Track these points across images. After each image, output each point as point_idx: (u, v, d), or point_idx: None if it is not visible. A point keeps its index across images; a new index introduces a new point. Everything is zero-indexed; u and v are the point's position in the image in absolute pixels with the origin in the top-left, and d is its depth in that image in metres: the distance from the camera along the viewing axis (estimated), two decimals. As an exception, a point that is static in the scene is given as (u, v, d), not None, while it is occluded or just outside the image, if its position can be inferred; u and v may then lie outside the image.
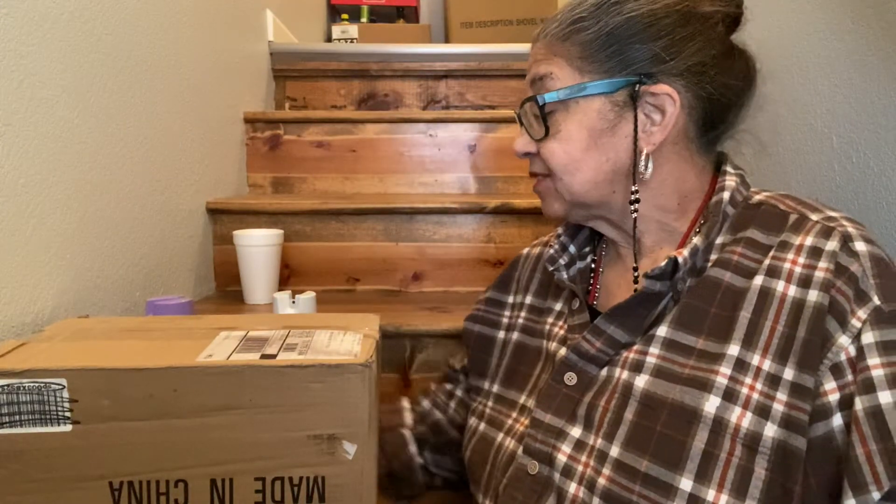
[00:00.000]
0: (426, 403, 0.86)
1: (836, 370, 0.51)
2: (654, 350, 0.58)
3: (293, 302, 1.06)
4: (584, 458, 0.58)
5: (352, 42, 2.69)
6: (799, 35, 0.98)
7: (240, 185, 1.59)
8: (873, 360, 0.50)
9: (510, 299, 0.79)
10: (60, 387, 0.50)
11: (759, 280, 0.57)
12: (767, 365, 0.53)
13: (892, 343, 0.51)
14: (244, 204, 1.38)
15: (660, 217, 0.65)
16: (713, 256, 0.60)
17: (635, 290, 0.62)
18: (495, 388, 0.73)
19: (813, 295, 0.54)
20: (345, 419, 0.52)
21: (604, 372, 0.61)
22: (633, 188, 0.63)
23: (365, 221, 1.39)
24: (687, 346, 0.57)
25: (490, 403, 0.73)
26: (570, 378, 0.62)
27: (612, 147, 0.62)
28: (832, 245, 0.55)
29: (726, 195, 0.62)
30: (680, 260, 0.58)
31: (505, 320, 0.78)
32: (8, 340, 0.58)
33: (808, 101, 0.96)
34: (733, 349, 0.55)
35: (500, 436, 0.67)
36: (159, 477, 0.52)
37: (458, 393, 0.83)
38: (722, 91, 0.62)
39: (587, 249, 0.74)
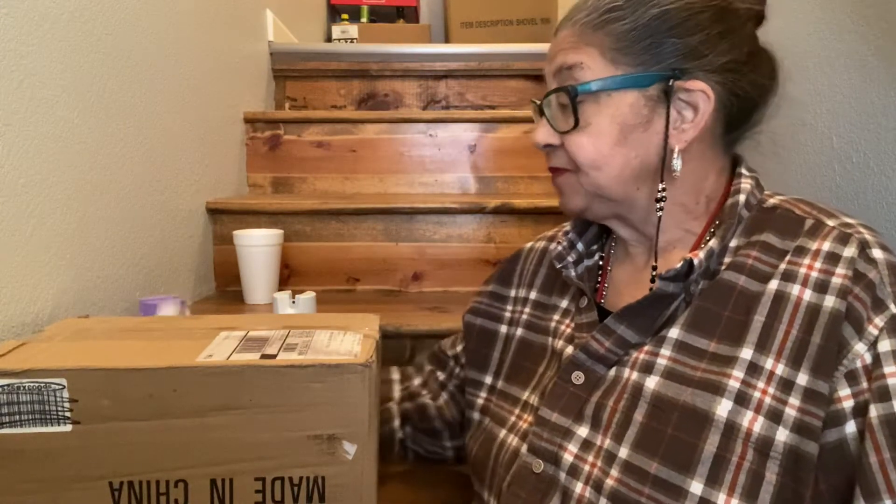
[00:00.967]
0: (417, 381, 0.85)
1: (851, 377, 0.51)
2: (666, 352, 0.58)
3: (293, 302, 1.06)
4: (591, 459, 0.58)
5: (352, 42, 2.68)
6: (799, 35, 0.98)
7: (240, 185, 1.59)
8: (889, 368, 0.50)
9: (512, 293, 0.78)
10: (60, 387, 0.50)
11: (774, 284, 0.56)
12: (781, 369, 0.53)
13: None
14: (244, 204, 1.38)
15: (679, 216, 0.64)
16: (727, 259, 0.60)
17: (651, 290, 0.61)
18: (499, 384, 0.73)
19: (829, 301, 0.53)
20: (345, 419, 0.52)
21: (612, 372, 0.60)
22: (661, 186, 0.62)
23: (365, 221, 1.39)
24: (699, 349, 0.57)
25: (493, 399, 0.72)
26: (578, 377, 0.62)
27: (641, 143, 0.61)
28: (850, 251, 0.55)
29: (742, 198, 0.62)
30: (696, 262, 0.58)
31: (507, 314, 0.77)
32: (8, 340, 0.58)
33: (808, 101, 0.96)
34: (746, 353, 0.54)
35: (503, 432, 0.67)
36: (159, 477, 0.52)
37: (450, 387, 0.83)
38: (752, 89, 0.62)
39: (595, 247, 0.73)
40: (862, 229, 0.57)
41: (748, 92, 0.62)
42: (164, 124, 1.16)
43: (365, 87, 1.95)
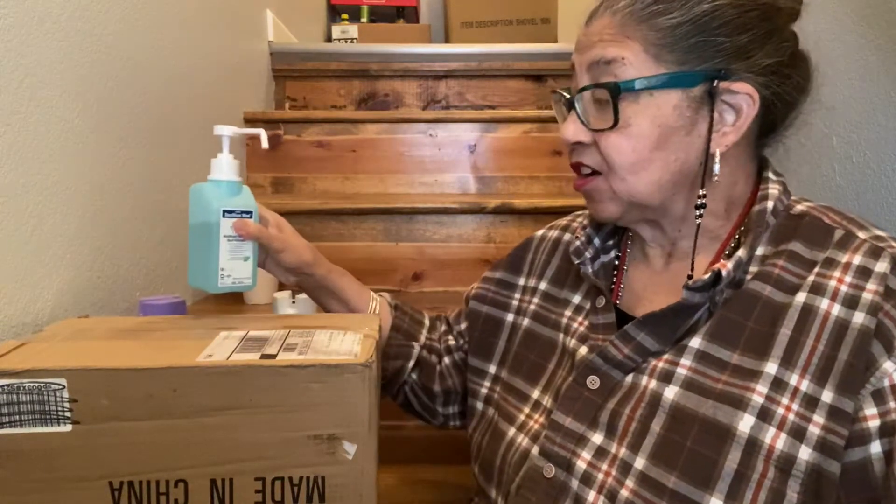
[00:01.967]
0: (436, 336, 0.84)
1: (878, 396, 0.49)
2: (686, 361, 0.56)
3: (293, 302, 1.06)
4: (605, 467, 0.56)
5: (352, 42, 2.68)
6: (798, 35, 0.98)
7: (240, 185, 1.59)
8: None
9: (521, 281, 0.77)
10: (60, 387, 0.50)
11: (801, 297, 0.54)
12: (805, 385, 0.51)
13: None
14: (244, 204, 1.38)
15: (707, 222, 0.62)
16: (753, 269, 0.58)
17: (677, 301, 0.59)
18: (504, 375, 0.71)
19: (859, 317, 0.52)
20: (345, 419, 0.52)
21: (629, 379, 0.59)
22: (701, 192, 0.59)
23: (365, 221, 1.39)
24: (721, 360, 0.55)
25: (498, 390, 0.71)
26: (593, 381, 0.60)
27: (682, 147, 0.58)
28: (882, 266, 0.53)
29: (770, 204, 0.59)
30: (724, 273, 0.56)
31: (515, 303, 0.76)
32: (8, 340, 0.58)
33: (808, 101, 0.95)
34: (771, 367, 0.53)
35: (513, 431, 0.66)
36: (159, 477, 0.52)
37: (456, 357, 0.81)
38: (795, 92, 0.60)
39: (611, 242, 0.71)
40: (894, 243, 0.55)
41: (791, 94, 0.59)
42: (164, 124, 1.16)
43: (365, 87, 1.95)
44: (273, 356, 0.53)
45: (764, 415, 0.51)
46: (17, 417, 0.50)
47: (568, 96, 0.62)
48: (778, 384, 0.52)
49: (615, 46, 0.58)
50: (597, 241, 0.70)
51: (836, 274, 0.54)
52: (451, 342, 0.82)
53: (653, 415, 0.56)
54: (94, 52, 0.92)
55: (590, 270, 0.66)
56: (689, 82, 0.57)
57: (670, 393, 0.55)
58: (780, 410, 0.51)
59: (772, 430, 0.51)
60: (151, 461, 0.51)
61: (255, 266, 0.70)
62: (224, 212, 0.67)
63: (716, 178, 0.58)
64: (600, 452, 0.57)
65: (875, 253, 0.54)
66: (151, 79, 1.10)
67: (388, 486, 0.98)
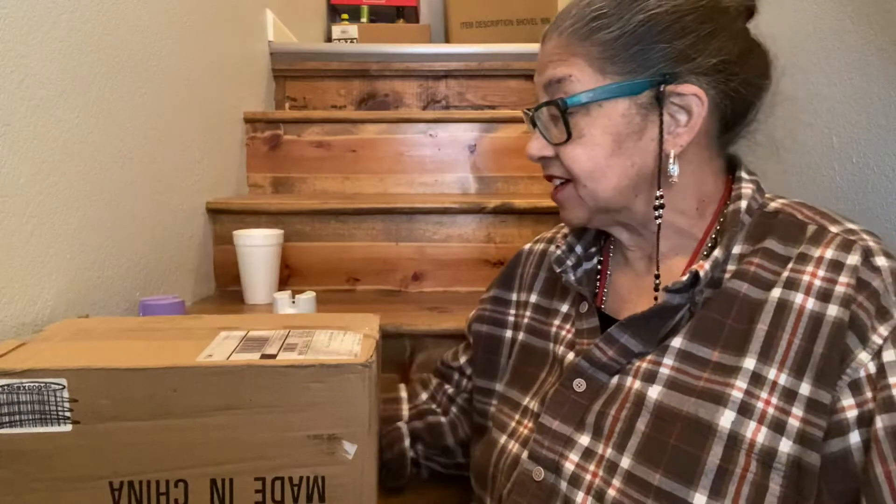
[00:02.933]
0: (424, 397, 0.84)
1: (855, 387, 0.51)
2: (668, 361, 0.57)
3: (293, 302, 1.06)
4: (592, 468, 0.57)
5: (352, 42, 2.68)
6: (799, 35, 0.98)
7: (240, 185, 1.59)
8: (894, 379, 0.49)
9: (514, 297, 0.78)
10: (60, 387, 0.50)
11: (776, 292, 0.55)
12: (783, 379, 0.52)
13: None
14: (244, 204, 1.38)
15: (679, 222, 0.63)
16: (731, 267, 0.59)
17: (655, 300, 0.60)
18: (500, 388, 0.72)
19: (833, 310, 0.53)
20: (345, 419, 0.52)
21: (614, 380, 0.60)
22: (658, 193, 0.60)
23: (365, 221, 1.39)
24: (702, 359, 0.56)
25: (495, 402, 0.72)
26: (580, 384, 0.61)
27: (637, 151, 0.60)
28: (853, 259, 0.54)
29: (743, 204, 0.61)
30: (701, 274, 0.57)
31: (511, 318, 0.77)
32: (8, 340, 0.58)
33: (808, 101, 0.95)
34: (749, 362, 0.54)
35: (504, 438, 0.67)
36: (159, 477, 0.52)
37: (459, 400, 0.82)
38: (745, 88, 0.60)
39: (593, 250, 0.72)
40: (865, 236, 0.56)
41: (741, 92, 0.60)
42: (165, 124, 1.16)
43: (365, 87, 1.95)
44: (273, 356, 0.53)
45: (744, 410, 0.52)
46: (17, 417, 0.50)
47: (530, 114, 0.65)
48: (757, 379, 0.53)
49: (563, 66, 0.61)
50: (579, 248, 0.71)
51: (810, 268, 0.55)
52: (451, 391, 0.83)
53: (637, 414, 0.56)
54: (94, 52, 0.92)
55: (572, 278, 0.68)
56: (634, 90, 0.59)
57: (654, 392, 0.56)
58: (760, 405, 0.52)
59: (752, 425, 0.52)
60: (151, 461, 0.51)
61: None
62: None
63: (671, 178, 0.60)
64: (587, 454, 0.58)
65: (846, 246, 0.55)
66: (151, 79, 1.10)
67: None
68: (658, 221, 0.61)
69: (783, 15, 1.01)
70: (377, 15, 2.94)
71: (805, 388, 0.51)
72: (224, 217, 1.38)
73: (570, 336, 0.67)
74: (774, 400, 0.52)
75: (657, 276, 0.63)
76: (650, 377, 0.57)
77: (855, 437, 0.50)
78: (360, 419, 0.52)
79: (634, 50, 0.59)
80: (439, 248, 1.40)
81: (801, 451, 0.50)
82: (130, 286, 1.03)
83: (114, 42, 0.97)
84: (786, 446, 0.51)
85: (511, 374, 0.72)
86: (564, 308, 0.70)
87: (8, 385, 0.49)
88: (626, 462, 0.55)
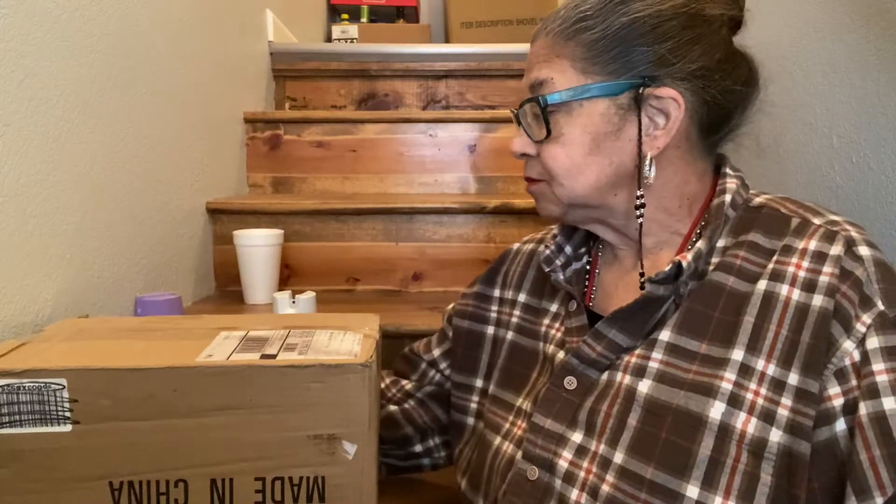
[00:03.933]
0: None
1: (841, 375, 0.51)
2: (657, 355, 0.58)
3: (293, 302, 1.06)
4: (586, 465, 0.57)
5: (352, 42, 2.69)
6: (799, 35, 0.98)
7: (240, 185, 1.59)
8: (878, 366, 0.50)
9: (496, 293, 0.78)
10: (60, 387, 0.50)
11: (762, 284, 0.56)
12: (772, 370, 0.53)
13: None
14: (244, 204, 1.38)
15: (662, 219, 0.64)
16: (715, 260, 0.60)
17: (642, 294, 0.61)
18: (491, 389, 0.72)
19: (818, 300, 0.53)
20: (345, 419, 0.52)
21: (605, 376, 0.60)
22: (639, 193, 0.61)
23: (365, 221, 1.39)
24: (690, 351, 0.57)
25: (487, 404, 0.72)
26: (570, 382, 0.62)
27: (615, 151, 0.61)
28: (836, 249, 0.55)
29: (728, 198, 0.62)
30: (684, 264, 0.58)
31: (493, 315, 0.77)
32: (8, 340, 0.58)
33: (808, 101, 0.96)
34: (737, 354, 0.54)
35: (498, 439, 0.67)
36: (159, 477, 0.52)
37: (419, 394, 0.81)
38: (725, 96, 0.61)
39: (583, 250, 0.73)
40: (848, 226, 0.57)
41: (719, 99, 0.61)
42: (164, 124, 1.16)
43: (365, 87, 1.95)
44: (273, 356, 0.53)
45: (734, 401, 0.53)
46: (17, 417, 0.50)
47: (515, 112, 0.67)
48: (745, 370, 0.54)
49: (547, 67, 0.63)
50: (568, 248, 0.72)
51: (794, 260, 0.56)
52: (409, 386, 0.82)
53: (628, 409, 0.57)
54: (94, 52, 0.92)
55: (561, 277, 0.68)
56: (613, 91, 0.60)
57: (644, 387, 0.57)
58: (749, 395, 0.53)
59: (742, 415, 0.52)
60: (151, 461, 0.51)
61: None
62: None
63: (647, 180, 0.60)
64: (580, 451, 0.58)
65: (829, 237, 0.56)
66: (151, 79, 1.10)
67: (390, 487, 0.97)
68: (639, 221, 0.62)
69: (783, 16, 1.01)
70: (377, 15, 2.94)
71: (793, 378, 0.52)
72: (224, 217, 1.38)
73: (559, 335, 0.67)
74: (763, 390, 0.53)
75: (641, 274, 0.64)
76: (640, 372, 0.58)
77: (841, 425, 0.51)
78: (360, 419, 0.52)
79: (616, 52, 0.60)
80: (439, 248, 1.40)
81: (792, 441, 0.51)
82: (130, 286, 1.03)
83: (114, 42, 0.97)
84: (776, 436, 0.51)
85: (502, 375, 0.72)
86: (554, 307, 0.71)
87: (8, 385, 0.49)
88: (618, 457, 0.56)
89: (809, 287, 0.54)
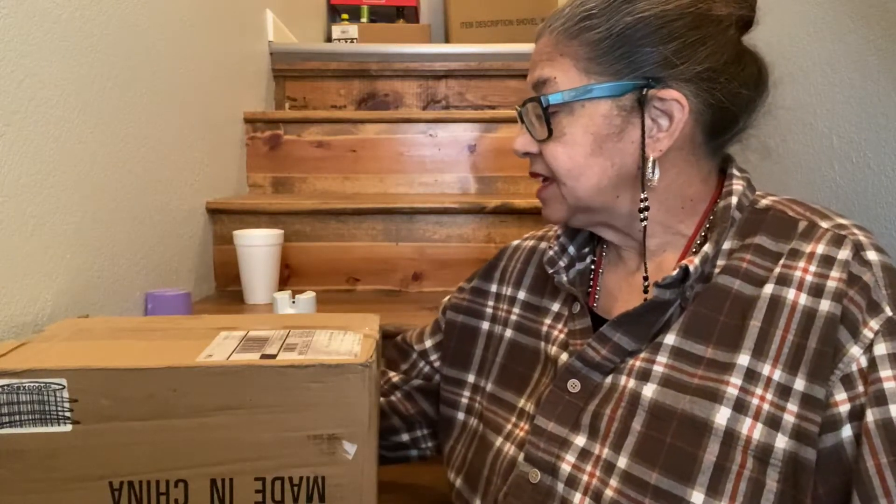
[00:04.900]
0: None
1: (847, 381, 0.51)
2: (662, 358, 0.57)
3: (293, 302, 1.06)
4: (589, 468, 0.57)
5: (352, 42, 2.68)
6: (799, 36, 0.98)
7: (240, 185, 1.59)
8: (885, 372, 0.50)
9: (493, 288, 0.77)
10: (60, 387, 0.50)
11: (769, 288, 0.55)
12: (778, 375, 0.52)
13: None
14: (244, 204, 1.38)
15: (666, 221, 0.64)
16: (721, 262, 0.59)
17: (645, 298, 0.60)
18: (489, 388, 0.72)
19: (825, 305, 0.53)
20: (345, 419, 0.52)
21: (608, 379, 0.60)
22: (642, 195, 0.61)
23: (365, 221, 1.39)
24: (695, 355, 0.56)
25: (485, 403, 0.71)
26: (574, 385, 0.61)
27: (617, 152, 0.61)
28: (844, 254, 0.54)
29: (734, 200, 0.61)
30: (691, 269, 0.57)
31: (489, 311, 0.76)
32: (8, 340, 0.58)
33: (808, 101, 0.95)
34: (743, 359, 0.54)
35: (500, 440, 0.66)
36: (159, 477, 0.52)
37: (406, 387, 0.80)
38: (731, 99, 0.60)
39: (586, 250, 0.72)
40: (856, 230, 0.56)
41: (723, 102, 0.60)
42: (164, 124, 1.16)
43: (365, 87, 1.95)
44: (273, 356, 0.53)
45: (739, 406, 0.52)
46: (17, 417, 0.50)
47: (519, 110, 0.66)
48: (751, 375, 0.53)
49: (549, 66, 0.62)
50: (571, 249, 0.71)
51: (801, 264, 0.55)
52: (396, 378, 0.82)
53: (633, 414, 0.56)
54: (94, 52, 0.92)
55: (564, 279, 0.68)
56: (616, 92, 0.59)
57: (648, 391, 0.56)
58: (755, 401, 0.52)
59: (748, 421, 0.52)
60: (151, 461, 0.51)
61: None
62: None
63: (650, 182, 0.60)
64: (584, 454, 0.58)
65: (837, 241, 0.55)
66: (151, 79, 1.10)
67: (389, 488, 0.97)
68: (643, 224, 0.61)
69: (783, 16, 1.01)
70: (377, 15, 2.94)
71: (799, 384, 0.52)
72: (224, 217, 1.38)
73: (562, 336, 0.67)
74: (769, 396, 0.52)
75: (646, 278, 0.63)
76: (644, 375, 0.57)
77: (847, 432, 0.50)
78: (360, 419, 0.52)
79: (620, 52, 0.59)
80: (439, 248, 1.40)
81: (797, 447, 0.50)
82: (130, 286, 1.03)
83: (114, 42, 0.97)
84: (782, 442, 0.51)
85: (500, 373, 0.71)
86: (555, 307, 0.70)
87: (8, 385, 0.49)
88: (622, 462, 0.55)
89: (817, 292, 0.54)
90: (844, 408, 0.50)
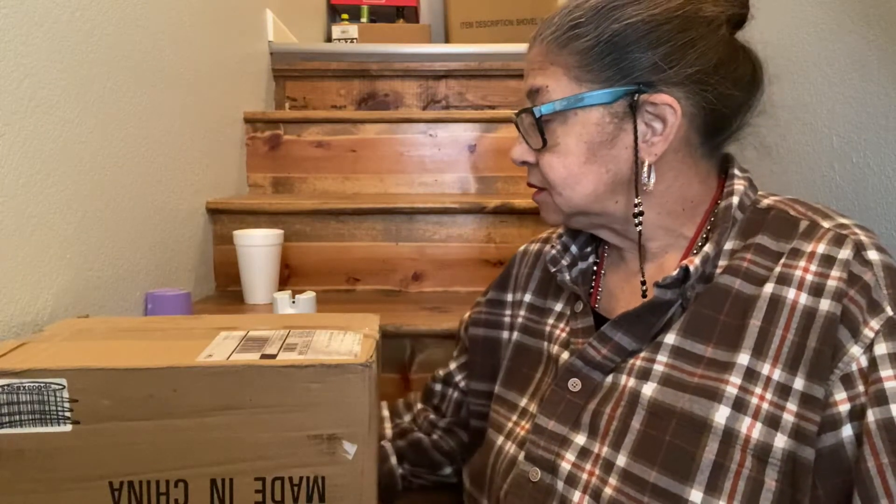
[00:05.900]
0: (407, 419, 0.84)
1: (847, 381, 0.51)
2: (662, 358, 0.57)
3: (293, 302, 1.06)
4: (588, 467, 0.57)
5: (352, 42, 2.68)
6: (799, 35, 0.98)
7: (240, 185, 1.59)
8: (886, 372, 0.50)
9: (509, 297, 0.78)
10: (60, 387, 0.50)
11: (769, 288, 0.56)
12: (777, 374, 0.52)
13: None
14: (244, 204, 1.38)
15: (666, 223, 0.64)
16: (722, 262, 0.59)
17: (644, 298, 0.60)
18: (496, 389, 0.72)
19: (825, 304, 0.53)
20: (345, 419, 0.52)
21: (609, 379, 0.60)
22: (636, 200, 0.61)
23: (365, 221, 1.39)
24: (695, 355, 0.56)
25: (492, 404, 0.72)
26: (575, 384, 0.61)
27: (612, 159, 0.61)
28: (845, 253, 0.54)
29: (735, 200, 0.61)
30: (692, 269, 0.57)
31: (507, 319, 0.76)
32: (8, 340, 0.58)
33: (808, 101, 0.95)
34: (743, 358, 0.54)
35: (501, 439, 0.67)
36: (159, 477, 0.52)
37: (442, 424, 0.81)
38: (723, 101, 0.60)
39: (588, 249, 0.72)
40: (857, 230, 0.56)
41: (715, 104, 0.60)
42: (164, 124, 1.16)
43: (365, 87, 1.94)
44: (273, 356, 0.53)
45: (739, 405, 0.53)
46: (17, 417, 0.50)
47: (515, 120, 0.66)
48: (751, 374, 0.53)
49: (541, 75, 0.62)
50: (574, 248, 0.71)
51: (802, 263, 0.56)
52: (432, 416, 0.82)
53: (632, 412, 0.56)
54: (94, 52, 0.92)
55: (567, 277, 0.68)
56: (607, 99, 0.59)
57: (648, 390, 0.56)
58: (755, 400, 0.52)
59: (747, 420, 0.52)
60: (151, 461, 0.51)
61: None
62: None
63: (646, 187, 0.60)
64: (584, 453, 0.58)
65: (838, 241, 0.55)
66: (151, 79, 1.10)
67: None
68: (638, 229, 0.61)
69: (783, 16, 1.01)
70: (377, 15, 2.94)
71: (799, 383, 0.52)
72: (224, 217, 1.38)
73: (564, 335, 0.67)
74: (769, 395, 0.52)
75: (643, 282, 0.63)
76: (644, 374, 0.57)
77: (847, 431, 0.50)
78: (360, 419, 0.52)
79: (609, 59, 0.59)
80: (439, 248, 1.40)
81: (796, 446, 0.51)
82: (130, 286, 1.03)
83: (114, 42, 0.97)
84: (781, 441, 0.51)
85: (506, 374, 0.72)
86: (559, 307, 0.70)
87: (8, 385, 0.49)
88: (622, 460, 0.55)
89: (817, 291, 0.54)
90: (844, 407, 0.50)
